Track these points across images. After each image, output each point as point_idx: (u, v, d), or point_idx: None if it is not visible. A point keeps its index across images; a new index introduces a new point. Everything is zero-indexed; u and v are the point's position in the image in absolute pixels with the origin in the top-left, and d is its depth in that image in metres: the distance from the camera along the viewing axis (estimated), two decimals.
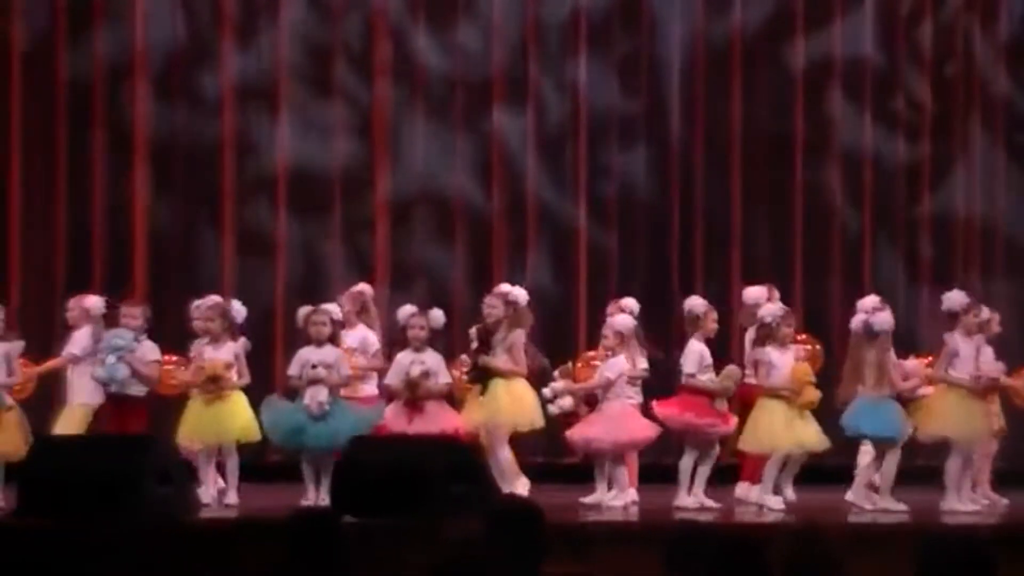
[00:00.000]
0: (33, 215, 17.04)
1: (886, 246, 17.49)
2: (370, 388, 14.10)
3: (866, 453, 13.59)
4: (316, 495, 12.99)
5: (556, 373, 14.14)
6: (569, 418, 13.88)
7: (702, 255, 17.39)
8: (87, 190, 17.12)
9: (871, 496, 13.24)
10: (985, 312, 13.63)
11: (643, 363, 13.73)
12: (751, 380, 13.71)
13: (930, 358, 13.91)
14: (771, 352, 13.34)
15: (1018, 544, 9.78)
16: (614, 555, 10.22)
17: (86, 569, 6.02)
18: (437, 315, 13.87)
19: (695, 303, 13.98)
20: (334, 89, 17.38)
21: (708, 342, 13.72)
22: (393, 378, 13.60)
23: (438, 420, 13.37)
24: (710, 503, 13.33)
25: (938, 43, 17.60)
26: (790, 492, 13.71)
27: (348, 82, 17.41)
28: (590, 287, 17.13)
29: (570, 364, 14.33)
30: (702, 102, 17.44)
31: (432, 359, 13.53)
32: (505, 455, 13.48)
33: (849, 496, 13.30)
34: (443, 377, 13.52)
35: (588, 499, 13.29)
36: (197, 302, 14.06)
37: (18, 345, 13.80)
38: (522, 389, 13.68)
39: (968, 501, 13.01)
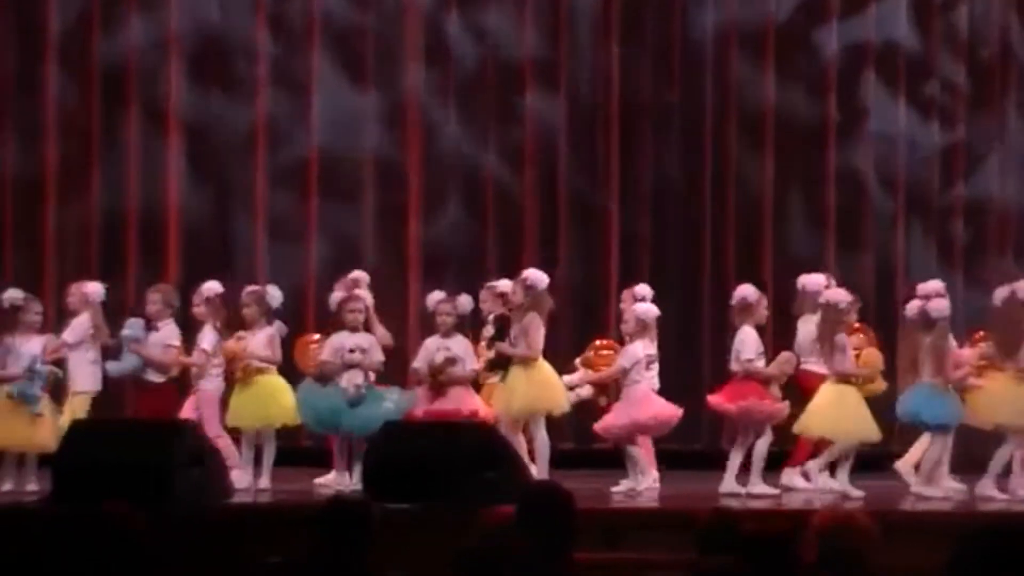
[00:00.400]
0: (67, 200, 17.06)
1: (919, 231, 17.40)
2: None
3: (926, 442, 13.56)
4: (348, 479, 13.12)
5: (577, 362, 14.21)
6: (588, 407, 14.06)
7: (734, 242, 17.34)
8: (121, 175, 17.19)
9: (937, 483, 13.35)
10: None
11: (653, 348, 13.74)
12: (808, 366, 13.75)
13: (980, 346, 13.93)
14: (845, 338, 13.38)
15: None
16: (644, 541, 10.25)
17: (119, 554, 6.02)
18: (465, 301, 13.96)
19: (747, 291, 13.96)
20: (366, 75, 17.38)
21: (758, 329, 13.75)
22: (420, 363, 13.65)
23: (460, 405, 13.38)
24: (766, 489, 13.41)
25: (974, 27, 17.54)
26: (846, 480, 13.55)
27: (380, 68, 17.42)
28: (622, 273, 16.99)
29: (591, 353, 14.33)
30: (735, 88, 17.43)
31: (459, 345, 13.59)
32: (541, 437, 13.44)
33: (914, 488, 13.39)
34: (469, 363, 13.58)
35: (618, 488, 13.27)
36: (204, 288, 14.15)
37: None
38: (542, 374, 13.66)
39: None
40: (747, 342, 13.59)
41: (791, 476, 13.61)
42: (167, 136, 17.21)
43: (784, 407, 13.55)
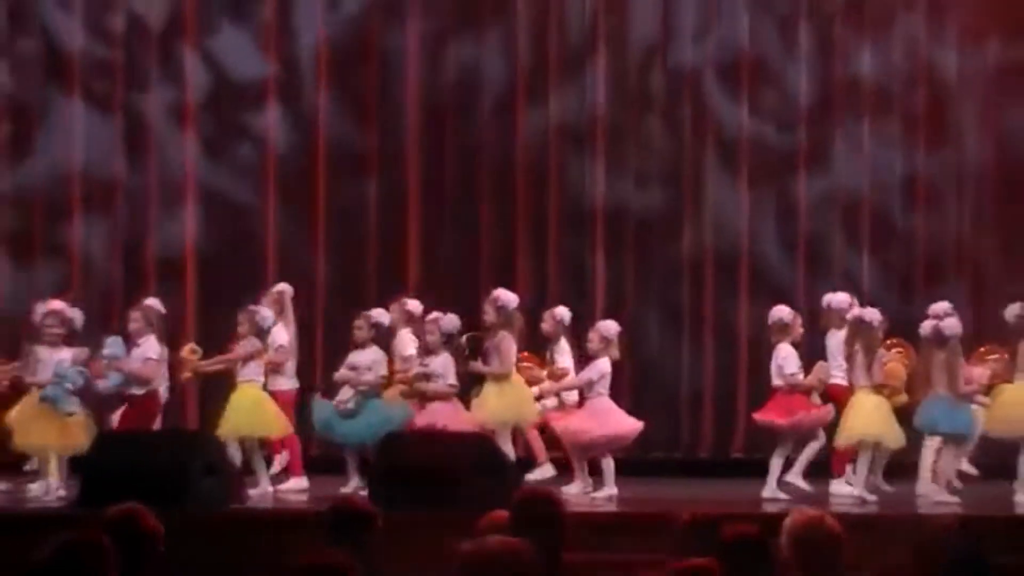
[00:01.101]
0: None
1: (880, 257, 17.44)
2: (286, 383, 14.24)
3: (931, 448, 13.52)
4: (356, 484, 13.12)
5: (544, 374, 14.22)
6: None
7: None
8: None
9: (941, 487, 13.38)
10: None
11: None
12: (836, 380, 13.83)
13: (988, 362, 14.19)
14: (882, 351, 13.53)
15: None
16: (630, 543, 10.27)
17: (140, 554, 6.07)
18: (449, 320, 13.83)
19: (783, 312, 14.02)
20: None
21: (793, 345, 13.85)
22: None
23: (446, 419, 13.32)
24: (806, 485, 13.75)
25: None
26: (882, 483, 13.91)
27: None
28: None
29: (556, 367, 14.29)
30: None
31: (439, 362, 13.52)
32: (507, 449, 13.48)
33: (920, 489, 13.40)
34: (449, 379, 13.50)
35: (568, 489, 13.13)
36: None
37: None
38: (515, 388, 13.75)
39: None
40: (789, 358, 13.66)
41: (838, 486, 13.63)
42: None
43: (829, 409, 13.68)
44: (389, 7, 17.31)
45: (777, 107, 17.41)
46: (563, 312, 14.46)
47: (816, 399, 13.81)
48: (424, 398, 13.61)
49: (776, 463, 13.48)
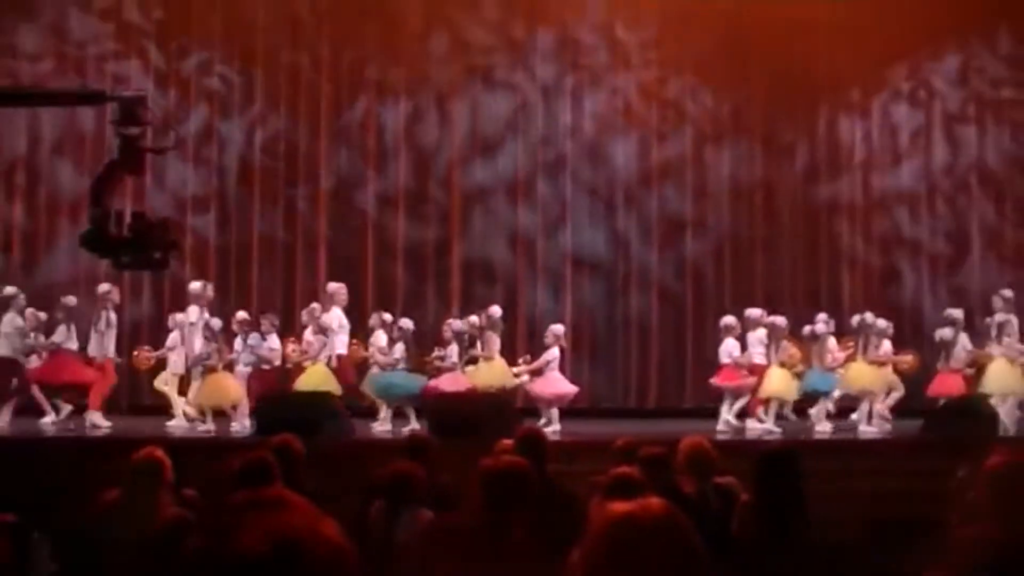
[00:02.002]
0: None
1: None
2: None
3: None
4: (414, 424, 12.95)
5: (520, 361, 13.80)
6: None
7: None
8: None
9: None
10: None
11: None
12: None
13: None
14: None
15: None
16: (586, 459, 10.25)
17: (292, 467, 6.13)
18: (457, 323, 13.67)
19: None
20: None
21: None
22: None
23: (449, 383, 13.17)
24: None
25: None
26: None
27: None
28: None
29: (528, 356, 13.93)
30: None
31: (451, 350, 13.39)
32: None
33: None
34: (453, 358, 13.35)
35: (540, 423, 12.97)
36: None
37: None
38: (495, 367, 13.40)
39: None
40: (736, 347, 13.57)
41: (753, 424, 13.44)
42: None
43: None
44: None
45: None
46: (495, 310, 13.79)
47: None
48: (441, 371, 13.42)
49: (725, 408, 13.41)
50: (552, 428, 12.96)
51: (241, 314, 13.80)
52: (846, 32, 16.14)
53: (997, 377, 13.42)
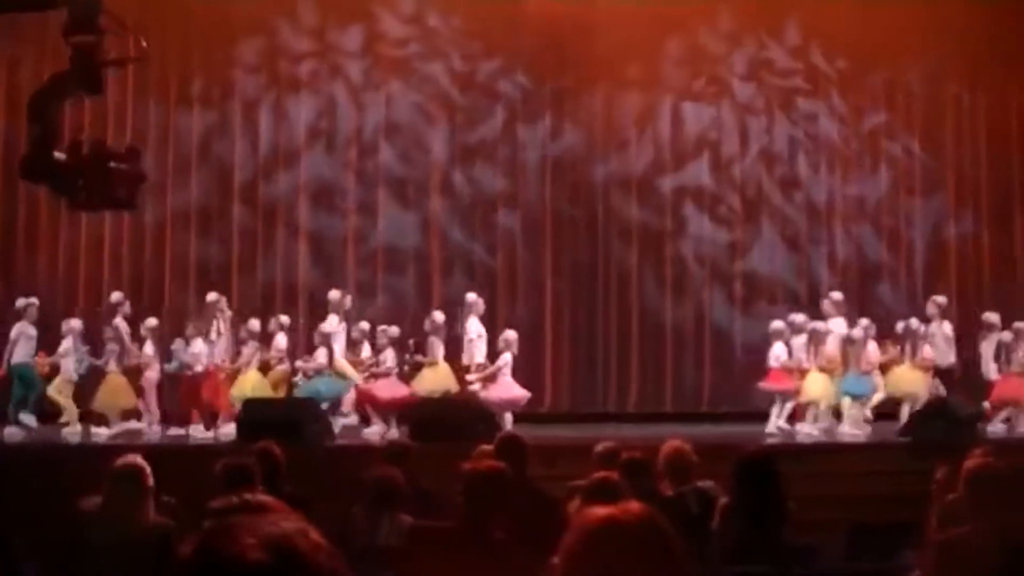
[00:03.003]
0: None
1: (719, 290, 17.00)
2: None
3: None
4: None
5: (472, 368, 13.58)
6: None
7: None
8: None
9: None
10: None
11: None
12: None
13: None
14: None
15: None
16: (566, 464, 10.24)
17: (273, 470, 6.13)
18: (392, 330, 13.56)
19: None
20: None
21: None
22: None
23: (384, 389, 13.17)
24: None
25: (743, 174, 17.28)
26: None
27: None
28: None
29: (480, 364, 13.64)
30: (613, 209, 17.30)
31: (387, 355, 13.32)
32: None
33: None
34: (390, 364, 13.31)
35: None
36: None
37: None
38: (440, 371, 13.32)
39: None
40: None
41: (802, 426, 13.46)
42: None
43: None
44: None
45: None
46: (438, 315, 13.73)
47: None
48: (377, 376, 13.31)
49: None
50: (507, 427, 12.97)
51: (152, 321, 13.73)
52: None
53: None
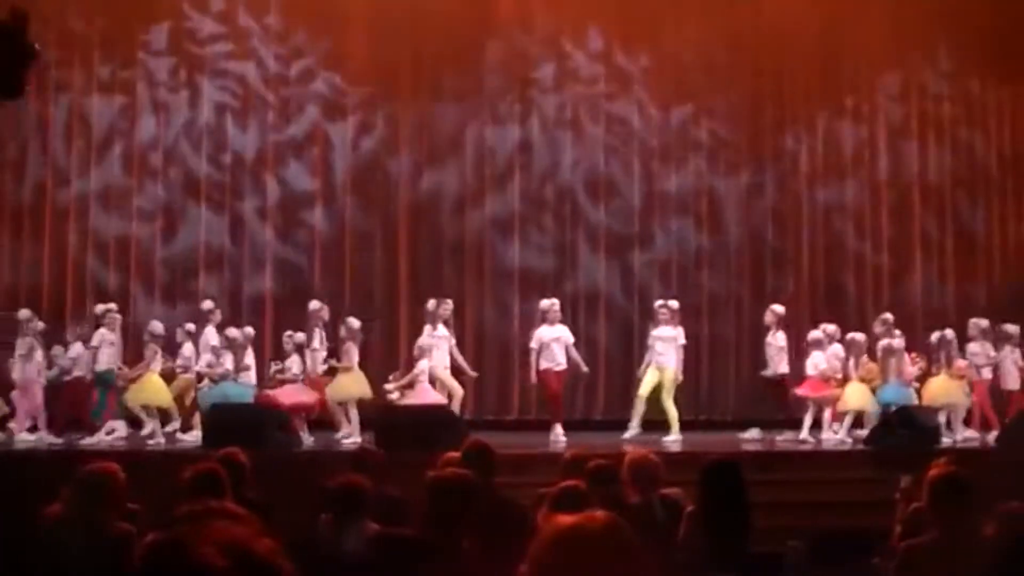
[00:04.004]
0: None
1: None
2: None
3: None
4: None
5: (391, 377, 13.62)
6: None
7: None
8: None
9: None
10: None
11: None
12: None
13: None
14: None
15: None
16: (534, 472, 10.25)
17: (238, 478, 6.09)
18: (299, 336, 13.49)
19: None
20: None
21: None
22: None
23: (289, 394, 13.08)
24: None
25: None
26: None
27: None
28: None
29: (398, 372, 13.75)
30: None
31: (293, 360, 13.33)
32: (355, 414, 13.11)
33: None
34: (295, 371, 13.28)
35: None
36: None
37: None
38: (353, 376, 13.25)
39: None
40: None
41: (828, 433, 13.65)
42: None
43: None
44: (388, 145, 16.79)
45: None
46: (353, 321, 13.57)
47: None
48: (283, 383, 13.26)
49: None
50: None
51: (40, 324, 13.59)
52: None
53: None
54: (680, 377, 13.74)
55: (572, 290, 16.48)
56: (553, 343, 13.54)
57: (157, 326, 13.51)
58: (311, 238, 16.41)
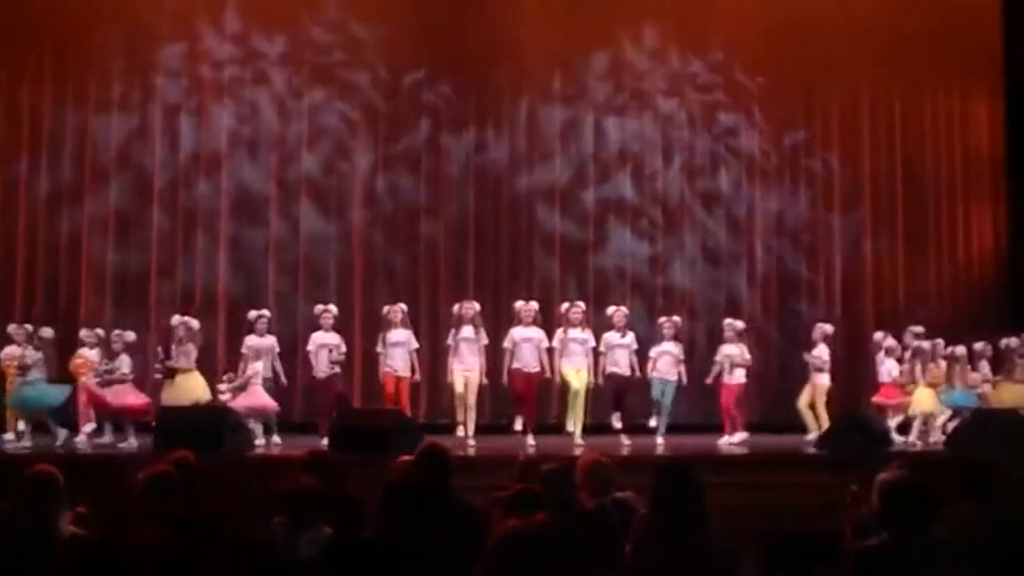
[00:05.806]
0: None
1: (639, 300, 17.27)
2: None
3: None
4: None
5: (225, 377, 13.62)
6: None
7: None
8: None
9: None
10: None
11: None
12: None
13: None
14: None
15: None
16: (488, 475, 10.24)
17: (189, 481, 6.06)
18: (129, 334, 13.38)
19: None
20: None
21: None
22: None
23: (119, 396, 13.01)
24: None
25: (666, 188, 17.54)
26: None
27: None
28: None
29: (232, 373, 13.65)
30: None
31: (123, 360, 13.16)
32: None
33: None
34: (125, 370, 13.11)
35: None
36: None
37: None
38: (194, 379, 13.18)
39: None
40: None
41: None
42: None
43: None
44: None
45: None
46: (193, 322, 13.43)
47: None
48: (111, 383, 13.07)
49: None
50: (261, 441, 12.98)
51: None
52: None
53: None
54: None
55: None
56: (524, 344, 13.49)
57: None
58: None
